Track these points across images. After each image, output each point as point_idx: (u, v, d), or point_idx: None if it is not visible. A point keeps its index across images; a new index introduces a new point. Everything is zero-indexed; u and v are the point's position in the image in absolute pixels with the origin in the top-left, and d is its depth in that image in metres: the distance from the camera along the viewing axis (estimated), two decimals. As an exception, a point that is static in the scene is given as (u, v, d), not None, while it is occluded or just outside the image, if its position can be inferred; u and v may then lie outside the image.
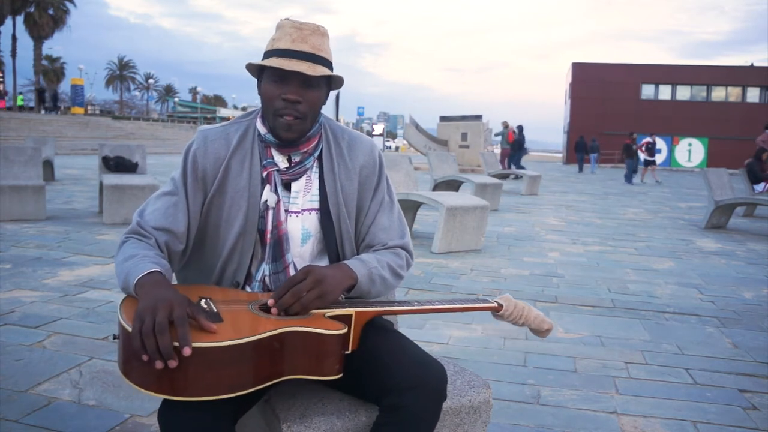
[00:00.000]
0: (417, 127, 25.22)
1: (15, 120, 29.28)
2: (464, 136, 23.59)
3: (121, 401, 2.40)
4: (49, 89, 47.99)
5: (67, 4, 52.81)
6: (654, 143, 19.91)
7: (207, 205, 1.45)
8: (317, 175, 1.50)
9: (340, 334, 1.23)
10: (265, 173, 1.45)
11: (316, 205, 1.49)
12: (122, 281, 1.28)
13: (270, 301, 1.28)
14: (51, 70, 65.36)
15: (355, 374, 1.32)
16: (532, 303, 4.09)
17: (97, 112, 54.29)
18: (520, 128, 20.47)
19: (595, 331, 3.59)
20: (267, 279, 1.46)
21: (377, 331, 1.39)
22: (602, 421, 2.41)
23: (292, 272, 1.46)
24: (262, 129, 1.46)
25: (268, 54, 1.40)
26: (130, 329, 1.10)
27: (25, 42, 52.72)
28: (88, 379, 2.62)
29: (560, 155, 50.83)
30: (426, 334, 3.43)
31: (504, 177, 16.03)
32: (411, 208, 6.75)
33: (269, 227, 1.44)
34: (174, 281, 1.39)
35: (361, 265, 1.41)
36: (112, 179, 7.27)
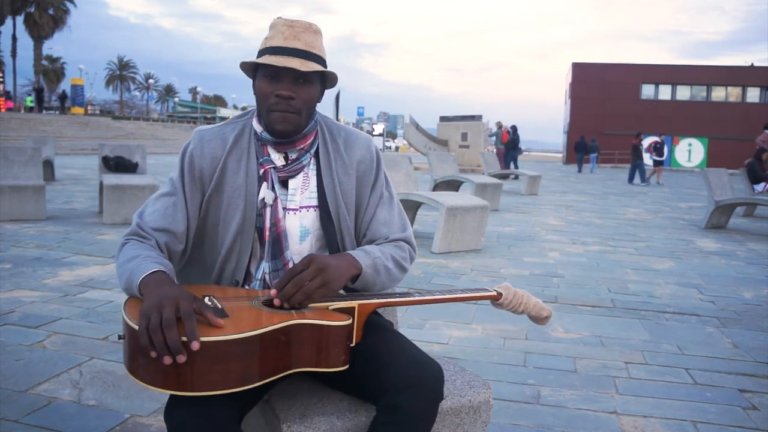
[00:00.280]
0: (417, 127, 25.22)
1: (15, 120, 29.28)
2: (464, 136, 23.60)
3: (121, 401, 2.40)
4: (50, 89, 47.94)
5: (67, 4, 52.88)
6: (662, 143, 19.51)
7: (205, 204, 1.46)
8: (314, 172, 1.50)
9: (344, 326, 1.24)
10: (261, 171, 1.46)
11: (315, 202, 1.49)
12: (125, 282, 1.28)
13: (272, 292, 1.28)
14: (51, 70, 65.41)
15: (354, 374, 1.32)
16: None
17: (97, 112, 54.29)
18: (514, 128, 20.47)
19: (595, 331, 3.59)
20: (267, 277, 1.46)
21: (376, 331, 1.39)
22: (602, 421, 2.41)
23: None
24: (258, 128, 1.47)
25: (261, 53, 1.41)
26: (136, 327, 1.10)
27: (25, 42, 52.82)
28: (88, 379, 2.62)
29: (560, 155, 50.83)
30: (426, 334, 3.43)
31: (504, 177, 16.03)
32: (411, 208, 6.75)
33: (267, 225, 1.44)
34: (174, 281, 1.39)
35: (365, 256, 1.41)
36: (112, 179, 7.27)
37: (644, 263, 5.83)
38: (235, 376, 1.11)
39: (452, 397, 1.47)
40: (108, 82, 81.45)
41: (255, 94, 1.44)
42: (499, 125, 20.96)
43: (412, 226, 1.75)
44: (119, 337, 1.18)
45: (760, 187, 9.97)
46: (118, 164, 8.38)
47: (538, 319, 1.54)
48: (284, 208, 1.46)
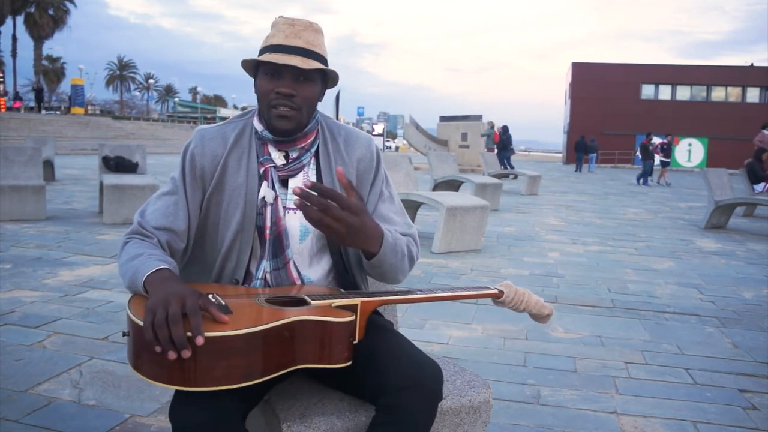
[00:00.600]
0: (417, 127, 25.23)
1: (15, 120, 29.27)
2: (464, 136, 23.60)
3: (121, 401, 2.41)
4: (50, 89, 47.83)
5: (67, 4, 52.90)
6: (670, 144, 19.20)
7: (206, 203, 1.46)
8: (315, 172, 1.50)
9: (347, 322, 1.25)
10: (262, 170, 1.46)
11: None
12: (129, 280, 1.28)
13: (308, 182, 1.24)
14: (51, 70, 65.40)
15: (354, 374, 1.33)
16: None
17: (97, 112, 54.26)
18: (505, 128, 20.49)
19: (595, 331, 3.59)
20: (268, 276, 1.46)
21: (375, 331, 1.39)
22: (602, 421, 2.41)
23: (292, 269, 1.46)
24: (258, 126, 1.47)
25: (262, 51, 1.42)
26: (141, 324, 1.11)
27: (25, 42, 52.83)
28: (88, 379, 2.62)
29: (560, 155, 50.84)
30: (426, 334, 3.43)
31: (503, 176, 16.03)
32: (411, 208, 6.75)
33: (268, 223, 1.44)
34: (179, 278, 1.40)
35: (390, 235, 1.39)
36: (112, 179, 7.27)
37: (644, 263, 5.83)
38: (239, 371, 1.12)
39: (452, 397, 1.47)
40: (108, 82, 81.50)
41: (256, 92, 1.44)
42: (491, 125, 20.95)
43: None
44: (123, 334, 1.19)
45: (760, 187, 9.97)
46: (118, 164, 8.38)
47: (539, 317, 1.54)
48: (284, 207, 1.46)
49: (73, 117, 37.36)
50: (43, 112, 38.81)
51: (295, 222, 1.47)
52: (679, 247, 6.93)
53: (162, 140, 35.51)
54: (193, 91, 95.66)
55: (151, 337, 1.08)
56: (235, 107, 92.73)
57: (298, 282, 1.47)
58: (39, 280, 4.31)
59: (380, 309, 1.68)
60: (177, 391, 1.17)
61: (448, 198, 6.25)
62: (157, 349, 1.07)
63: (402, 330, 1.69)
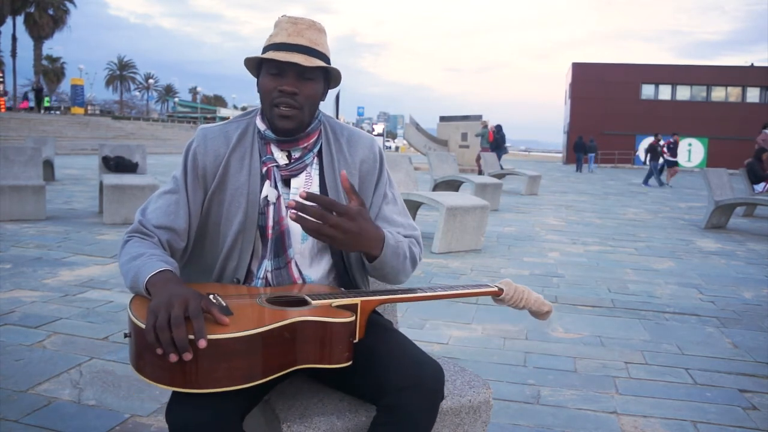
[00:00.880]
0: (417, 127, 25.24)
1: (15, 120, 29.27)
2: (464, 136, 23.62)
3: (121, 401, 2.40)
4: (50, 89, 47.79)
5: (67, 4, 52.86)
6: (676, 144, 18.95)
7: (207, 202, 1.46)
8: (317, 172, 1.50)
9: (348, 322, 1.25)
10: (264, 169, 1.46)
11: None
12: (131, 280, 1.28)
13: (302, 193, 1.26)
14: (51, 70, 65.38)
15: (354, 374, 1.32)
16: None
17: (97, 112, 54.26)
18: (499, 127, 20.50)
19: (595, 331, 3.59)
20: (269, 275, 1.46)
21: (376, 330, 1.39)
22: (602, 421, 2.41)
23: (294, 268, 1.46)
24: (261, 126, 1.47)
25: (265, 49, 1.42)
26: (142, 326, 1.11)
27: (25, 42, 52.81)
28: (88, 379, 2.62)
29: (560, 155, 50.84)
30: (426, 334, 3.43)
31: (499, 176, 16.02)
32: (411, 208, 6.75)
33: (270, 223, 1.44)
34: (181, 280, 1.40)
35: (392, 237, 1.40)
36: (112, 179, 7.27)
37: (644, 263, 5.83)
38: (240, 373, 1.12)
39: (452, 397, 1.47)
40: (108, 82, 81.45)
41: (259, 91, 1.44)
42: (484, 124, 20.97)
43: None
44: (125, 335, 1.19)
45: (760, 187, 9.97)
46: (118, 164, 8.38)
47: (539, 314, 1.54)
48: (287, 207, 1.46)
49: (73, 117, 37.36)
50: (42, 111, 38.79)
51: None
52: (679, 247, 6.93)
53: (162, 140, 35.51)
54: (193, 91, 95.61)
55: (153, 339, 1.08)
56: (235, 107, 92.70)
57: (300, 281, 1.47)
58: (39, 280, 4.31)
59: (380, 309, 1.68)
60: (174, 392, 1.17)
61: (448, 198, 6.25)
62: (159, 351, 1.08)
63: (402, 330, 1.69)
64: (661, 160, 18.86)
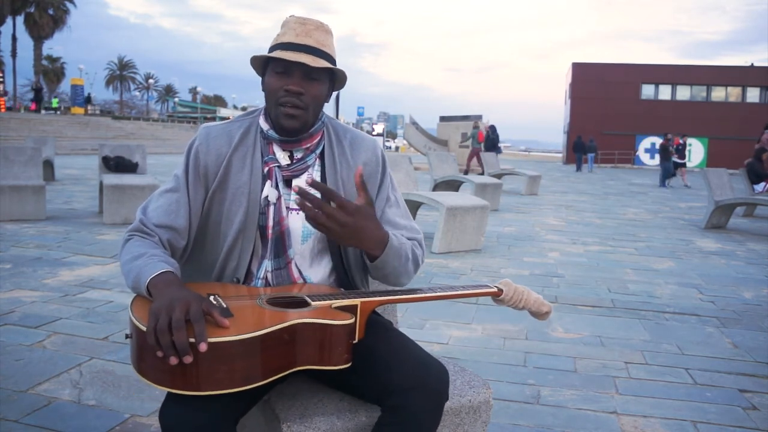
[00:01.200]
0: (417, 127, 25.26)
1: (15, 120, 29.26)
2: (464, 136, 23.62)
3: (121, 401, 2.40)
4: (50, 89, 47.76)
5: (67, 4, 52.90)
6: (684, 144, 18.85)
7: (208, 201, 1.46)
8: (319, 173, 1.50)
9: (347, 324, 1.25)
10: (266, 169, 1.46)
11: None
12: (132, 280, 1.28)
13: (309, 179, 1.27)
14: (51, 70, 65.41)
15: (356, 374, 1.32)
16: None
17: (97, 112, 54.25)
18: (493, 128, 20.55)
19: (595, 331, 3.59)
20: (269, 275, 1.46)
21: (378, 330, 1.39)
22: (602, 421, 2.41)
23: (294, 269, 1.46)
24: (264, 125, 1.47)
25: (272, 48, 1.42)
26: (143, 328, 1.11)
27: (25, 42, 52.83)
28: (88, 379, 2.62)
29: (560, 155, 50.85)
30: (426, 334, 3.43)
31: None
32: (411, 208, 6.75)
33: (270, 223, 1.44)
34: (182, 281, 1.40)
35: (395, 238, 1.40)
36: (112, 179, 7.27)
37: (644, 263, 5.83)
38: (240, 375, 1.13)
39: (452, 397, 1.47)
40: (108, 82, 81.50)
41: (264, 90, 1.44)
42: (476, 125, 21.01)
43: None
44: (126, 336, 1.19)
45: (760, 187, 9.97)
46: (118, 164, 8.38)
47: (539, 315, 1.54)
48: (288, 208, 1.46)
49: (73, 117, 37.36)
50: (43, 111, 38.79)
51: (297, 223, 1.46)
52: (679, 247, 6.93)
53: (162, 140, 35.50)
54: (193, 91, 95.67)
55: (154, 342, 1.08)
56: (235, 107, 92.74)
57: (300, 282, 1.47)
58: (39, 280, 4.31)
59: (380, 309, 1.68)
60: (169, 393, 1.16)
61: (448, 198, 6.26)
62: (159, 354, 1.08)
63: (402, 330, 1.69)
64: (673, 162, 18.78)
